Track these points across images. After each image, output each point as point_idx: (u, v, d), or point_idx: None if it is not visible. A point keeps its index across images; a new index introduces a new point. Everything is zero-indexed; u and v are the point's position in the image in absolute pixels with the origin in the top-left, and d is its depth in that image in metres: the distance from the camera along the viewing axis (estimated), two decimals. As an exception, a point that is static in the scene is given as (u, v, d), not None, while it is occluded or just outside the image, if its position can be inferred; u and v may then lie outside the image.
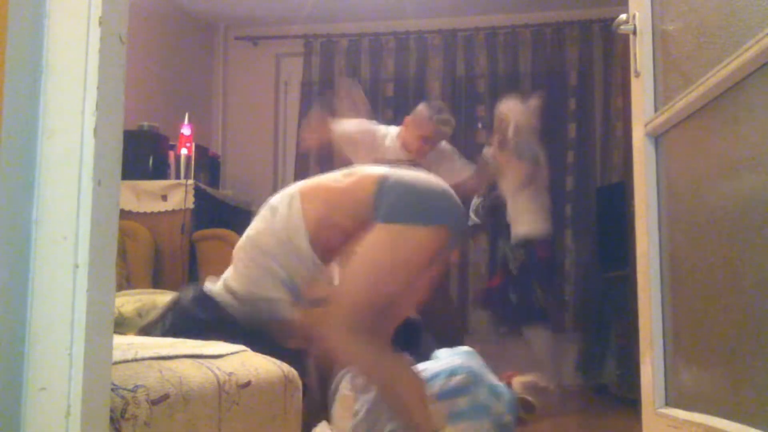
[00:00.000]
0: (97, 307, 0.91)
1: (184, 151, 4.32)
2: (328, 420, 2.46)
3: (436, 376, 2.25)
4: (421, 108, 3.44)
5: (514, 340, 3.79)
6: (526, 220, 3.76)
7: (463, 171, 3.60)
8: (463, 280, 5.12)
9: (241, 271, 2.14)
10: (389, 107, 5.46)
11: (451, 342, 2.63)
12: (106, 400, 0.93)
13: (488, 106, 5.35)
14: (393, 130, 3.53)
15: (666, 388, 1.81)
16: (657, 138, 1.88)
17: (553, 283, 3.77)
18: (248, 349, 1.57)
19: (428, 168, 3.39)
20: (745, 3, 1.44)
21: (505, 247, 3.83)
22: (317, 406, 2.97)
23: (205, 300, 2.11)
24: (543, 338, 3.61)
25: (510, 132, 3.76)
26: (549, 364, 3.56)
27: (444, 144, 3.59)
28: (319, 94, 5.38)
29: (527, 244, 3.70)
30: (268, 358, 1.59)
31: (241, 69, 5.65)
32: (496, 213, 3.93)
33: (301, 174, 5.47)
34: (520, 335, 3.75)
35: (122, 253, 3.77)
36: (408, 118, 3.47)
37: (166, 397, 1.06)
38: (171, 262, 4.11)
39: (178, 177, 4.27)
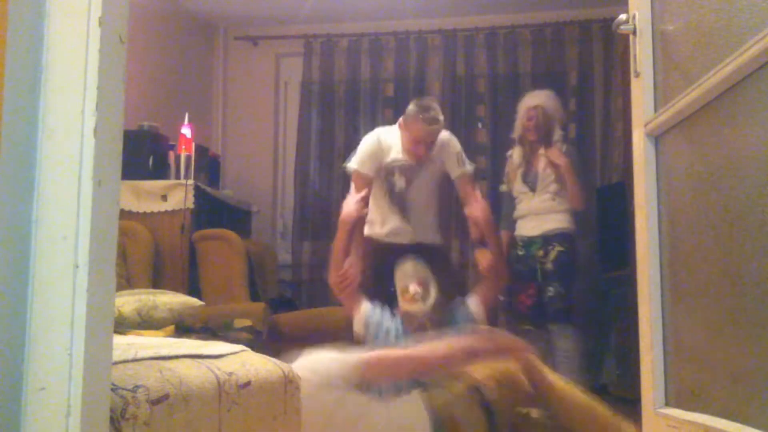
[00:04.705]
0: (97, 307, 0.91)
1: (184, 151, 4.32)
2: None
3: None
4: (410, 108, 3.28)
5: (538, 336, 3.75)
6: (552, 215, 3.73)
7: (459, 167, 3.47)
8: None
9: None
10: (389, 107, 5.46)
11: None
12: (106, 400, 0.93)
13: (488, 106, 5.36)
14: (396, 138, 3.38)
15: (666, 388, 1.81)
16: (657, 138, 1.88)
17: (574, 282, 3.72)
18: (248, 349, 1.57)
19: (433, 162, 3.35)
20: (745, 3, 1.44)
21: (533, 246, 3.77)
22: None
23: None
24: (571, 337, 3.61)
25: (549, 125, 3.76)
26: (575, 363, 3.54)
27: (443, 135, 3.38)
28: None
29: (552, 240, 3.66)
30: (268, 357, 1.59)
31: (241, 69, 5.65)
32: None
33: (300, 174, 5.48)
34: (545, 332, 3.73)
35: (122, 253, 3.77)
36: (400, 121, 3.33)
37: (166, 397, 1.06)
38: (171, 262, 4.11)
39: (178, 177, 4.27)
